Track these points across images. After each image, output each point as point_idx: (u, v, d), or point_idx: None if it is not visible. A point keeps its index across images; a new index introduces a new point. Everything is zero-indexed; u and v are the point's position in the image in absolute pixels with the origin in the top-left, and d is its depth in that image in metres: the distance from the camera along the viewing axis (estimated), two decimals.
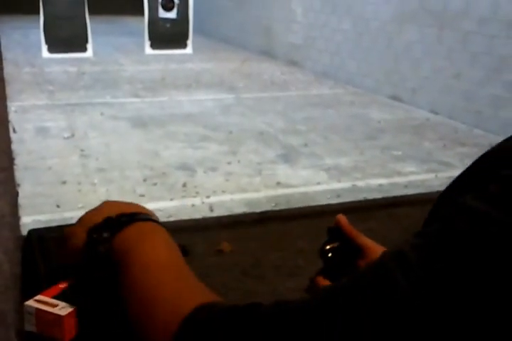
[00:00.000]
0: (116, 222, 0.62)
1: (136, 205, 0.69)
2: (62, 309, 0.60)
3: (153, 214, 0.67)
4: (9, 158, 0.85)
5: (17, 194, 0.92)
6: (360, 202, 1.46)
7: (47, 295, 0.62)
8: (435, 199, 0.51)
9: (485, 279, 0.36)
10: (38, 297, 0.62)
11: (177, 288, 0.53)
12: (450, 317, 0.37)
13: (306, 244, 1.20)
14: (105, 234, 0.61)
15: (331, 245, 0.80)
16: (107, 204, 0.68)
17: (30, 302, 0.61)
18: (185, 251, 1.07)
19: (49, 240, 1.01)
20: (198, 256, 1.36)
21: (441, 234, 0.40)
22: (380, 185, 3.93)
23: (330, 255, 0.79)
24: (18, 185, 0.96)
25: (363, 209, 1.39)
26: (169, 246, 0.61)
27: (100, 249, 0.60)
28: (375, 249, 0.78)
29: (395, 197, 1.49)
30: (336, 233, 0.80)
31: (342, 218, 0.81)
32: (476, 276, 0.37)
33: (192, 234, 1.39)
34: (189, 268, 0.57)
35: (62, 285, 0.66)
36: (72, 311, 0.61)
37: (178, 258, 0.59)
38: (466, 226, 0.39)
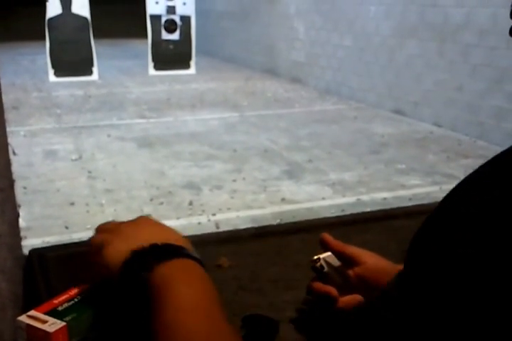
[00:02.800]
0: (163, 253, 0.60)
1: (173, 232, 0.66)
2: (52, 325, 0.61)
3: (189, 244, 0.65)
4: (8, 180, 0.89)
5: (18, 215, 0.95)
6: (356, 214, 1.47)
7: (40, 311, 0.63)
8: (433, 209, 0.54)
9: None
10: (31, 312, 0.63)
11: (206, 332, 0.54)
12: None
13: (304, 257, 1.22)
14: (150, 262, 0.59)
15: (319, 255, 0.82)
16: (145, 222, 0.67)
17: (22, 318, 0.62)
18: None
19: (49, 259, 1.04)
20: None
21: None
22: (385, 199, 3.94)
23: (318, 264, 0.81)
24: (19, 206, 0.99)
25: (359, 222, 1.41)
26: (204, 287, 0.59)
27: (143, 275, 0.58)
28: (365, 256, 0.81)
29: (391, 209, 1.51)
30: (325, 250, 0.83)
31: (326, 236, 0.81)
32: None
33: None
34: (221, 310, 0.56)
35: (73, 291, 0.67)
36: (61, 327, 0.61)
37: (212, 301, 0.58)
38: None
